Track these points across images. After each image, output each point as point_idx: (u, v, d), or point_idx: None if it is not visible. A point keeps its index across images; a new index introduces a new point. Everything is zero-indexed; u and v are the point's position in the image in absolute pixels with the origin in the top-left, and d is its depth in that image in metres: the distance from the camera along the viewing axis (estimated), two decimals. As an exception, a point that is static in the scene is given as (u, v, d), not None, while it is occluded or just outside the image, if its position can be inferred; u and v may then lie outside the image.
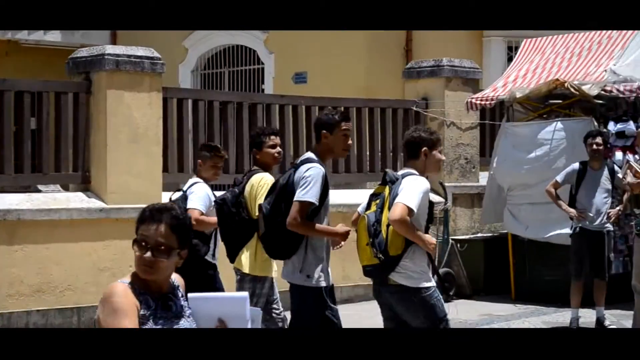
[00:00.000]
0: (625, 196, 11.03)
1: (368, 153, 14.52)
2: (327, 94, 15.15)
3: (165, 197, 12.13)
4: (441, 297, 7.10)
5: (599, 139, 11.23)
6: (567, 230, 11.51)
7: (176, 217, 4.41)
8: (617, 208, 11.24)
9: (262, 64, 20.18)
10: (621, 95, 12.62)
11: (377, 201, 7.02)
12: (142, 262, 4.39)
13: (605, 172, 11.23)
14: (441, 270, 13.46)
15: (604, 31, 13.72)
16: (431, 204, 7.09)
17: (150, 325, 4.26)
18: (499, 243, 13.93)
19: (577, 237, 11.24)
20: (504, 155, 13.33)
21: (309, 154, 7.21)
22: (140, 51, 12.01)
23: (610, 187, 11.22)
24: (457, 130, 14.80)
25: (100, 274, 11.50)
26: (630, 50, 13.26)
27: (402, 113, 14.71)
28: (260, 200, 7.74)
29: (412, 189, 6.84)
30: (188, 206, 8.61)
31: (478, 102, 13.79)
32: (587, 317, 11.47)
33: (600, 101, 12.76)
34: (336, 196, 13.75)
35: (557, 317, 11.96)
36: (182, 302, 4.47)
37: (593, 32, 13.90)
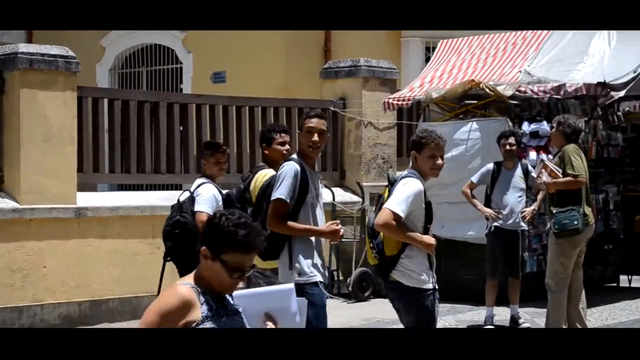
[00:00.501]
0: (540, 195, 11.17)
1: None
2: (246, 94, 15.11)
3: (81, 198, 12.04)
4: (437, 303, 7.09)
5: (512, 139, 11.35)
6: (483, 230, 11.61)
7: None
8: (531, 207, 11.37)
9: (181, 63, 20.05)
10: (535, 96, 12.79)
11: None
12: (234, 284, 4.39)
13: (519, 172, 11.36)
14: (358, 270, 13.53)
15: (519, 32, 13.89)
16: (428, 204, 7.09)
17: (210, 324, 4.26)
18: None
19: (492, 237, 11.36)
20: (421, 156, 13.38)
21: (293, 154, 7.22)
22: (54, 50, 11.85)
23: (524, 186, 11.36)
24: (375, 130, 14.87)
25: (13, 275, 11.32)
26: (544, 52, 13.45)
27: (320, 113, 14.70)
28: None
29: (400, 193, 6.92)
30: (196, 209, 8.85)
31: (395, 102, 13.87)
32: (502, 315, 11.58)
33: (515, 102, 12.93)
34: (254, 196, 13.75)
35: (472, 316, 12.06)
36: (232, 300, 4.48)
37: (508, 33, 14.06)
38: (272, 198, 6.91)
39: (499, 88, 12.80)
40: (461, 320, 11.82)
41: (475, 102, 13.35)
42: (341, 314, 12.52)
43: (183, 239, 8.90)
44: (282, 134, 8.53)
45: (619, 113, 14.43)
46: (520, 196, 11.34)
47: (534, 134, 12.64)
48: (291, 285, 4.70)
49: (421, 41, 19.50)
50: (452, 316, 12.13)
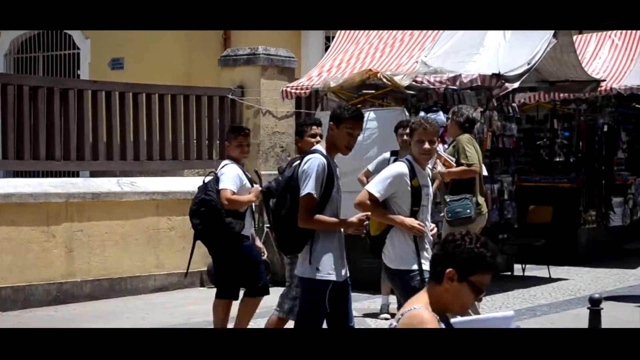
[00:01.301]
0: (435, 184, 11.25)
1: (183, 140, 14.42)
2: (145, 81, 14.97)
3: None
4: (419, 283, 7.11)
5: (406, 130, 11.42)
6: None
7: None
8: (426, 196, 11.46)
9: (78, 49, 19.79)
10: (431, 86, 12.91)
11: None
12: (471, 301, 4.39)
13: (415, 161, 11.44)
14: (256, 258, 13.49)
15: (416, 23, 13.98)
16: (414, 188, 7.16)
17: None
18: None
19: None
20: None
21: (317, 146, 7.14)
22: (-55, 33, 11.59)
23: (420, 175, 11.44)
24: (273, 119, 14.86)
25: None
26: (441, 43, 13.57)
27: (218, 101, 14.66)
28: None
29: (379, 175, 7.26)
30: (220, 187, 9.08)
31: (293, 91, 13.88)
32: (396, 303, 11.65)
33: (412, 92, 13.02)
34: (150, 184, 13.64)
35: (368, 304, 12.13)
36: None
37: (406, 23, 14.14)
38: (303, 193, 6.75)
39: (396, 78, 12.89)
40: (358, 309, 11.86)
41: (373, 91, 13.41)
42: (237, 303, 12.47)
43: (209, 217, 9.11)
44: (314, 127, 8.75)
45: (514, 104, 14.63)
46: (414, 186, 11.41)
47: (430, 124, 12.73)
48: (510, 314, 4.62)
49: (321, 31, 19.52)
50: (349, 304, 12.16)
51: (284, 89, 13.98)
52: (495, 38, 13.22)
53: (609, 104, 16.32)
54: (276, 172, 14.74)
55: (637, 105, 16.96)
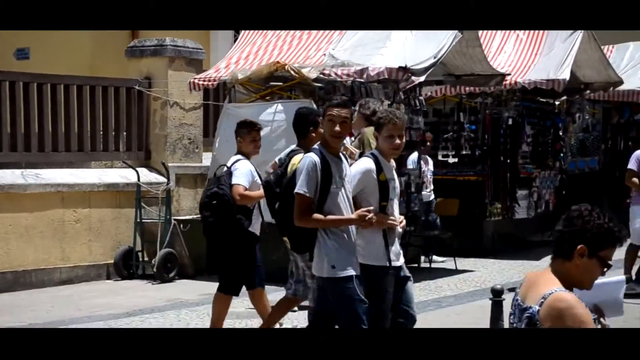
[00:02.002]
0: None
1: (90, 132, 14.25)
2: (51, 71, 14.76)
3: None
4: (390, 281, 7.12)
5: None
6: (288, 210, 11.67)
7: None
8: (333, 189, 11.50)
9: (-19, 38, 19.43)
10: (339, 79, 12.97)
11: None
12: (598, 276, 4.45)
13: (322, 154, 11.47)
14: (163, 251, 13.42)
15: (325, 15, 14.00)
16: (382, 182, 7.13)
17: None
18: (222, 223, 13.98)
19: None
20: (226, 136, 13.36)
21: (316, 144, 7.01)
22: None
23: (325, 168, 11.46)
24: (181, 111, 14.77)
25: None
26: (348, 36, 13.62)
27: (125, 92, 14.52)
28: None
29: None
30: (233, 182, 9.20)
31: (201, 82, 13.81)
32: (305, 295, 11.68)
33: (319, 84, 13.06)
34: (56, 175, 13.47)
35: (276, 296, 12.08)
36: None
37: (314, 16, 14.15)
38: (295, 192, 6.73)
39: (303, 70, 12.91)
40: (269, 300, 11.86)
41: (281, 84, 13.42)
42: (145, 295, 12.43)
43: (220, 210, 9.18)
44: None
45: (421, 97, 14.75)
46: (321, 177, 11.44)
47: (338, 117, 12.77)
48: (622, 278, 4.60)
49: (230, 22, 19.43)
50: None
51: (192, 80, 13.91)
52: (401, 32, 13.31)
53: (513, 97, 16.53)
54: (183, 164, 14.70)
55: (541, 99, 17.22)
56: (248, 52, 14.08)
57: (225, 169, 9.47)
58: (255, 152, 9.77)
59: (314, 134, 8.53)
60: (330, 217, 6.77)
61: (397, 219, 7.41)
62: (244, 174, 9.31)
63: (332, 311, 6.95)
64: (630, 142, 19.26)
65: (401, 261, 7.39)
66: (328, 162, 6.77)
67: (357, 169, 7.24)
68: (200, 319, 10.78)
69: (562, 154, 17.70)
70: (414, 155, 14.64)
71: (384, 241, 7.17)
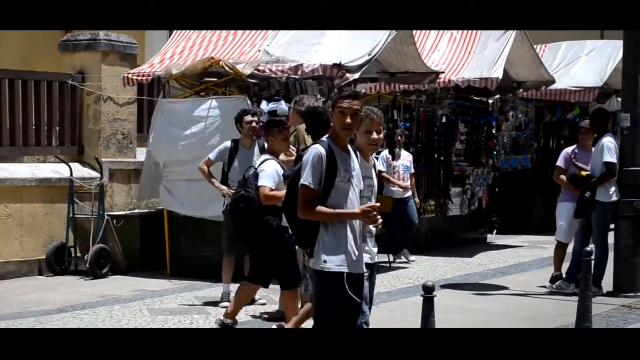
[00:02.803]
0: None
1: (22, 126, 14.10)
2: (-18, 64, 14.58)
3: None
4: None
5: (251, 117, 11.44)
6: (221, 207, 11.66)
7: None
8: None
9: None
10: (273, 75, 12.98)
11: None
12: None
13: (256, 150, 11.46)
14: (96, 247, 13.33)
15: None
16: None
17: None
18: (155, 219, 13.95)
19: (229, 214, 11.40)
20: (160, 132, 13.34)
21: (324, 137, 6.81)
22: None
23: (260, 164, 11.47)
24: (114, 105, 14.67)
25: None
26: (283, 32, 13.63)
27: (58, 86, 14.38)
28: None
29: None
30: (259, 184, 9.41)
31: (135, 77, 13.73)
32: (238, 292, 11.68)
33: (254, 80, 13.06)
34: (-14, 170, 13.31)
35: (209, 292, 12.11)
36: None
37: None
38: (299, 185, 6.60)
39: (238, 66, 12.90)
40: (199, 297, 11.86)
41: (215, 79, 13.39)
42: (77, 291, 12.34)
43: (248, 213, 9.46)
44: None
45: (356, 94, 14.78)
46: (256, 174, 11.44)
47: (272, 113, 12.77)
48: None
49: (165, 17, 19.33)
50: (189, 293, 12.14)
51: (126, 75, 13.82)
52: (336, 29, 13.36)
53: (447, 95, 16.66)
54: (117, 159, 14.61)
55: (474, 98, 17.38)
56: (182, 47, 14.04)
57: (252, 170, 9.67)
58: (287, 151, 9.96)
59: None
60: (332, 210, 6.63)
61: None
62: (270, 175, 9.49)
63: (324, 312, 6.78)
64: (562, 140, 19.50)
65: (372, 259, 7.28)
66: (334, 155, 6.61)
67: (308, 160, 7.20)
68: (132, 315, 10.72)
69: (495, 152, 17.87)
70: (384, 152, 14.75)
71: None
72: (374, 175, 7.31)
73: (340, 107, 6.60)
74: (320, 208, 6.60)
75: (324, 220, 6.64)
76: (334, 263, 6.60)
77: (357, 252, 6.71)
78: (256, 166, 9.60)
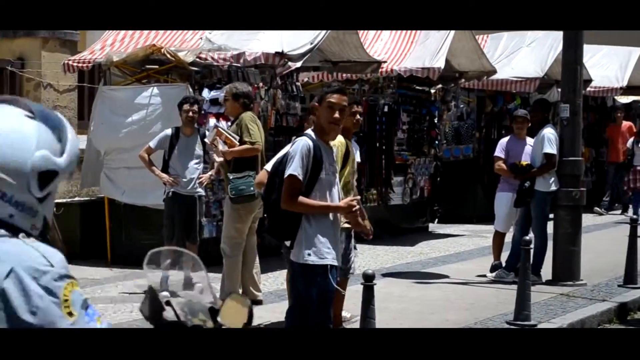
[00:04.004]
0: (217, 161, 11.27)
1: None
2: None
3: None
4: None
5: (192, 106, 11.41)
6: (161, 195, 11.61)
7: None
8: (209, 173, 11.49)
9: None
10: (215, 64, 12.92)
11: None
12: None
13: (198, 139, 11.43)
14: (34, 235, 13.18)
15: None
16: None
17: None
18: (96, 207, 13.85)
19: (170, 202, 11.38)
20: (101, 119, 13.24)
21: (308, 130, 6.85)
22: None
23: (201, 153, 11.42)
24: (55, 92, 14.57)
25: None
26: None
27: (-3, 73, 14.25)
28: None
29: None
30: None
31: (75, 64, 13.60)
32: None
33: (196, 68, 13.01)
34: None
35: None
36: None
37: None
38: (285, 175, 6.55)
39: (180, 54, 12.84)
40: (140, 285, 11.75)
41: (157, 67, 13.33)
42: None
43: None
44: (355, 105, 9.10)
45: (298, 83, 14.81)
46: (198, 162, 11.41)
47: (214, 101, 12.77)
48: None
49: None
50: (130, 281, 12.08)
51: (66, 62, 13.69)
52: (279, 17, 13.33)
53: (390, 85, 16.71)
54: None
55: (417, 87, 17.44)
56: (124, 34, 13.92)
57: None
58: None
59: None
60: (317, 202, 6.65)
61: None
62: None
63: (304, 306, 6.82)
64: (503, 130, 19.64)
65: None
66: (320, 148, 6.61)
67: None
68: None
69: (437, 142, 17.96)
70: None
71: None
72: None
73: (329, 102, 6.63)
74: (305, 199, 6.59)
75: (307, 212, 6.63)
76: (317, 256, 6.59)
77: (336, 247, 6.74)
78: None
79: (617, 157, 20.90)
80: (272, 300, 10.98)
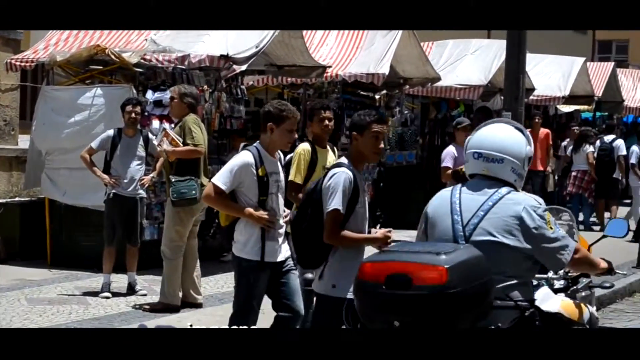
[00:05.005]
0: (158, 163, 11.25)
1: None
2: None
3: None
4: (261, 277, 7.05)
5: (135, 107, 11.36)
6: (102, 196, 11.55)
7: None
8: (150, 175, 11.45)
9: None
10: (160, 65, 12.89)
11: None
12: None
13: (140, 140, 11.40)
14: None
15: None
16: (261, 177, 7.01)
17: None
18: (36, 207, 13.72)
19: (111, 203, 11.32)
20: (43, 119, 13.14)
21: (342, 158, 6.72)
22: None
23: (144, 154, 11.40)
24: (-4, 91, 14.44)
25: None
26: (171, 22, 13.53)
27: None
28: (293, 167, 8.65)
29: (225, 166, 7.01)
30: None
31: (18, 63, 13.48)
32: (120, 282, 11.59)
33: (140, 70, 12.95)
34: None
35: (90, 282, 11.99)
36: None
37: None
38: (330, 208, 6.44)
39: (124, 55, 12.78)
40: (79, 287, 11.73)
41: (101, 67, 13.26)
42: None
43: None
44: (326, 111, 8.95)
45: (243, 86, 14.80)
46: (139, 164, 11.38)
47: (158, 103, 12.73)
48: None
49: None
50: (70, 283, 12.01)
51: (8, 61, 13.56)
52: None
53: (334, 90, 16.76)
54: (1, 146, 14.35)
55: (361, 93, 17.50)
56: (68, 34, 13.81)
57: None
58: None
59: (310, 129, 8.44)
60: (358, 235, 6.61)
61: (281, 213, 7.38)
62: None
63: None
64: (447, 137, 19.75)
65: (282, 256, 7.32)
66: (357, 179, 6.59)
67: (234, 162, 7.13)
68: (10, 304, 10.56)
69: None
70: None
71: (261, 236, 7.14)
72: (280, 170, 7.46)
73: (374, 132, 6.56)
74: (348, 233, 6.54)
75: (348, 245, 6.56)
76: (341, 289, 6.45)
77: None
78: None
79: (535, 165, 20.65)
80: (212, 304, 10.97)
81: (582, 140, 19.29)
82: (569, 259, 5.21)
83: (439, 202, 5.60)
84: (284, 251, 7.38)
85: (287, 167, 8.68)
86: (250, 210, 7.16)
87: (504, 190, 5.25)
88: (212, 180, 7.06)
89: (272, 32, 13.21)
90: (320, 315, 6.69)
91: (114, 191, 11.27)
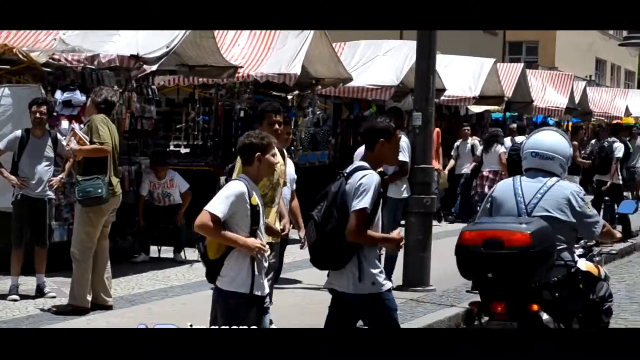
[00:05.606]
0: (68, 164, 11.14)
1: None
2: None
3: None
4: (250, 313, 6.91)
5: (42, 107, 11.24)
6: (10, 198, 11.40)
7: None
8: (59, 176, 11.34)
9: None
10: (69, 65, 12.76)
11: None
12: None
13: (49, 141, 11.28)
14: None
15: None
16: (253, 207, 6.87)
17: None
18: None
19: (19, 205, 11.19)
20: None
21: (361, 162, 6.98)
22: None
23: (52, 155, 11.29)
24: None
25: None
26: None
27: None
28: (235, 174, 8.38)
29: (219, 194, 6.82)
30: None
31: None
32: (28, 285, 11.45)
33: (49, 69, 12.80)
34: None
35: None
36: None
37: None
38: (359, 207, 6.73)
39: (32, 54, 12.62)
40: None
41: (8, 67, 13.08)
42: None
43: None
44: (277, 115, 9.03)
45: (154, 86, 14.72)
46: (48, 165, 11.26)
47: (67, 103, 12.59)
48: None
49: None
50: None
51: None
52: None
53: (246, 90, 16.76)
54: None
55: (274, 93, 17.52)
56: (-27, 33, 13.60)
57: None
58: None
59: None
60: (381, 234, 7.03)
61: (266, 245, 7.16)
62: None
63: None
64: (359, 137, 19.84)
65: (266, 291, 7.15)
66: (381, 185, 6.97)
67: (227, 192, 6.88)
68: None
69: (292, 147, 18.03)
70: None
71: (251, 269, 6.92)
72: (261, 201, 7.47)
73: (397, 139, 7.18)
74: (371, 232, 6.86)
75: (369, 243, 6.89)
76: (380, 283, 6.91)
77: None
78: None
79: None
80: (123, 306, 10.90)
81: (492, 141, 19.52)
82: (600, 231, 7.27)
83: (503, 188, 7.36)
84: (267, 286, 7.23)
85: (229, 174, 8.66)
86: (245, 239, 6.87)
87: (555, 179, 7.22)
88: (207, 208, 6.75)
89: (182, 32, 13.15)
90: (373, 312, 6.99)
91: (22, 192, 11.14)
